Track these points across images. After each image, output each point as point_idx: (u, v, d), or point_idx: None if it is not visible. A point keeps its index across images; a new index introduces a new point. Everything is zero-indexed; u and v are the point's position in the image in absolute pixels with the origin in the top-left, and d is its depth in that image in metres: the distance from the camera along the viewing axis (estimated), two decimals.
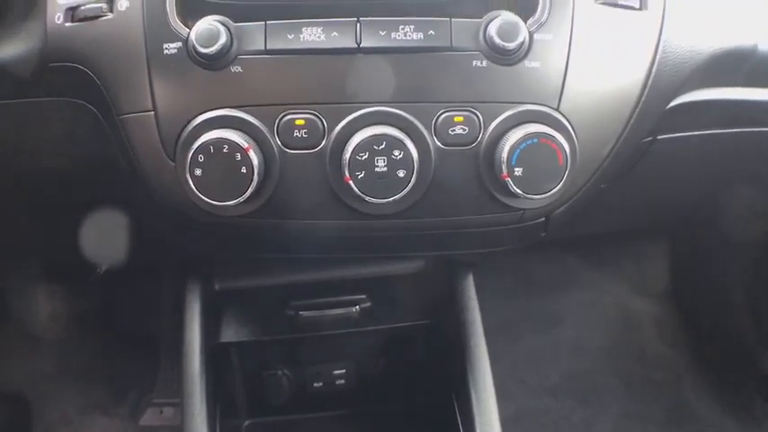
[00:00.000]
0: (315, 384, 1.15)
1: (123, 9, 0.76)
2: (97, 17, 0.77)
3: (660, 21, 0.80)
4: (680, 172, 1.10)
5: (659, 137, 0.93)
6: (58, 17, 0.78)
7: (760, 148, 1.06)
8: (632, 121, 0.81)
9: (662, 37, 0.81)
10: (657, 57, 0.81)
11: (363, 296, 1.03)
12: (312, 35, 0.72)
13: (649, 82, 0.81)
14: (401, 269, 1.05)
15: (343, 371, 1.17)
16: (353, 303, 1.03)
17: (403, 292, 1.10)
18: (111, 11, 0.77)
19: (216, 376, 1.03)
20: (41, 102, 0.85)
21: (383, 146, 0.72)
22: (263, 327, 1.09)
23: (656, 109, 0.85)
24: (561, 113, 0.76)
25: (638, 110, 0.81)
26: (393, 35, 0.73)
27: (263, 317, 1.08)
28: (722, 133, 0.98)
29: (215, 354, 1.03)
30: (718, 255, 1.58)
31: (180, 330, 1.01)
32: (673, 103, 0.87)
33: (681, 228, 1.61)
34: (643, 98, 0.81)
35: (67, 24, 0.78)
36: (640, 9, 0.79)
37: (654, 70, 0.81)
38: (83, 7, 0.77)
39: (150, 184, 0.79)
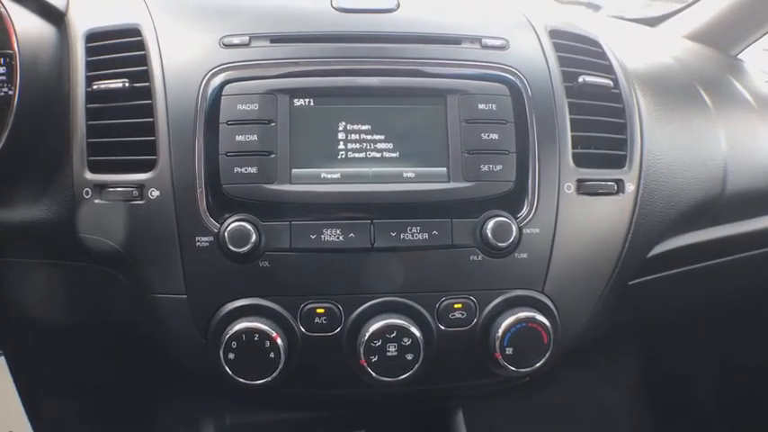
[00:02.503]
0: None
1: (154, 197, 0.83)
2: (127, 200, 0.84)
3: (634, 200, 0.93)
4: (651, 306, 1.22)
5: (630, 282, 1.04)
6: (86, 191, 0.84)
7: (724, 276, 1.17)
8: (607, 290, 0.94)
9: (636, 214, 0.93)
10: (631, 231, 0.93)
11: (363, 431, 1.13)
12: (332, 236, 0.83)
13: (623, 255, 0.93)
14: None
15: None
16: None
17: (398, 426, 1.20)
18: (142, 197, 0.83)
19: None
20: (70, 265, 0.91)
21: (394, 334, 0.83)
22: None
23: (629, 274, 0.97)
24: (546, 295, 0.88)
25: (612, 280, 0.94)
26: (402, 236, 0.84)
27: None
28: (693, 269, 1.09)
29: None
30: (688, 351, 1.69)
31: None
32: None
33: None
34: (617, 270, 0.93)
35: (97, 201, 0.84)
36: (617, 194, 0.92)
37: (627, 245, 0.93)
38: (111, 189, 0.84)
39: (180, 356, 0.88)
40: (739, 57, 1.36)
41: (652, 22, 1.42)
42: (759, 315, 1.36)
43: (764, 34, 1.33)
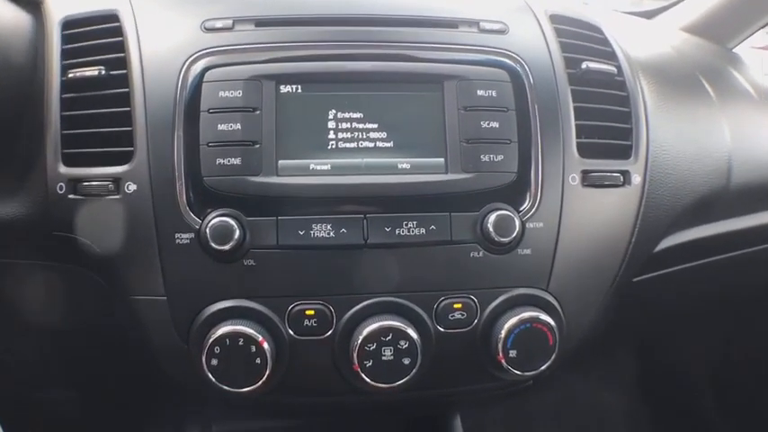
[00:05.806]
0: None
1: (131, 192, 0.78)
2: (102, 195, 0.78)
3: (641, 192, 0.89)
4: (655, 303, 1.18)
5: (635, 279, 1.00)
6: (60, 187, 0.79)
7: (729, 272, 1.13)
8: (612, 287, 0.89)
9: (642, 207, 0.89)
10: (638, 225, 0.89)
11: None
12: (322, 231, 0.78)
13: (630, 250, 0.89)
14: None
15: None
16: None
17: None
18: (118, 191, 0.78)
19: None
20: (44, 265, 0.86)
21: (389, 337, 0.77)
22: None
23: (635, 270, 0.93)
24: (550, 293, 0.83)
25: (618, 276, 0.89)
26: (397, 231, 0.79)
27: None
28: (698, 264, 1.05)
29: None
30: (688, 348, 1.66)
31: None
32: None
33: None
34: (623, 266, 0.89)
35: (71, 197, 0.79)
36: (623, 186, 0.88)
37: (634, 240, 0.89)
38: (86, 183, 0.78)
39: (161, 362, 0.82)
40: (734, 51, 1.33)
41: (648, 14, 1.39)
42: (763, 311, 1.33)
43: (761, 27, 1.31)
